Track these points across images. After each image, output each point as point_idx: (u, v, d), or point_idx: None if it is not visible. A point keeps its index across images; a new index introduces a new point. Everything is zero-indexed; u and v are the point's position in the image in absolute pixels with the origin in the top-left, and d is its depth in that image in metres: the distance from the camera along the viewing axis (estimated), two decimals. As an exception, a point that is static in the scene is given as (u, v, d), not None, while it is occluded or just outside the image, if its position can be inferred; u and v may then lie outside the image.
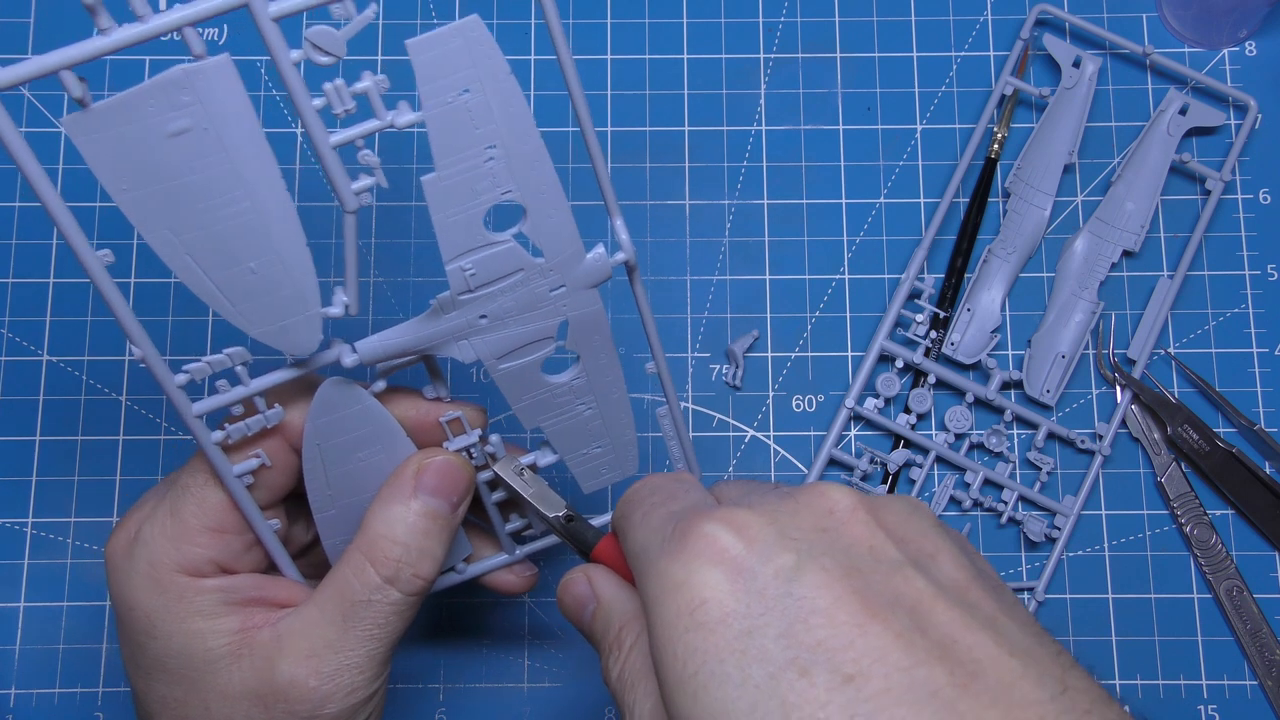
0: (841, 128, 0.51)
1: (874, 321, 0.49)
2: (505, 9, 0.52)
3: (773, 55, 0.52)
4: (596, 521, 0.38)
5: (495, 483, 0.38)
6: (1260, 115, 0.51)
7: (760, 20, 0.52)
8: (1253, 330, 0.49)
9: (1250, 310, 0.50)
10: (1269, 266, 0.50)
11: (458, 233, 0.33)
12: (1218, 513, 0.48)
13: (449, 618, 0.47)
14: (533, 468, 0.38)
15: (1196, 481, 0.48)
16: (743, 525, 0.27)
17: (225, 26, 0.52)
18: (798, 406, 0.49)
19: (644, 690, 0.28)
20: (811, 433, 0.48)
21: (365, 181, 0.31)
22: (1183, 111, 0.50)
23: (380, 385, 0.35)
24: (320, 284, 0.32)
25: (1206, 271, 0.50)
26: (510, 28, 0.52)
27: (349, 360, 0.34)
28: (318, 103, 0.30)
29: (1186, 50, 0.52)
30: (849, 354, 0.49)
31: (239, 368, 0.33)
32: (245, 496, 0.34)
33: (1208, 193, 0.50)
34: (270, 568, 0.36)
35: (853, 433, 0.49)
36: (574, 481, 0.40)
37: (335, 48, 0.30)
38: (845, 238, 0.50)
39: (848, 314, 0.50)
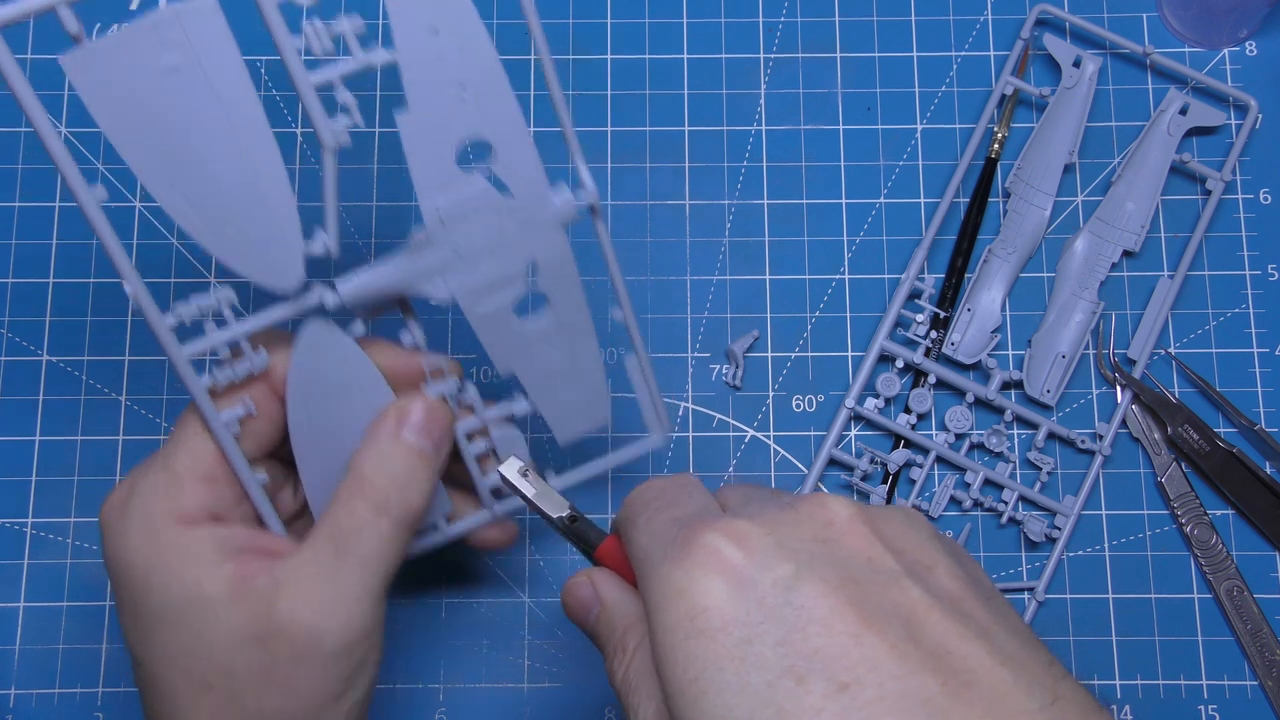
0: (841, 128, 0.51)
1: (874, 321, 0.49)
2: (505, 9, 0.52)
3: (773, 55, 0.52)
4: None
5: (474, 435, 0.39)
6: (1261, 115, 0.51)
7: (760, 20, 0.52)
8: (1253, 330, 0.49)
9: (1251, 310, 0.50)
10: (1269, 266, 0.50)
11: (431, 170, 0.34)
12: (1218, 513, 0.48)
13: (449, 618, 0.47)
14: (509, 418, 0.39)
15: (1197, 481, 0.48)
16: (743, 535, 0.27)
17: None
18: (798, 406, 0.49)
19: (647, 693, 0.29)
20: (811, 433, 0.48)
21: (344, 120, 0.33)
22: (1183, 111, 0.50)
23: (359, 328, 0.36)
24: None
25: (1207, 271, 0.50)
26: (510, 28, 0.52)
27: (330, 300, 0.35)
28: (297, 42, 0.32)
29: (1187, 50, 0.52)
30: (849, 354, 0.49)
31: (227, 310, 0.34)
32: (232, 444, 0.35)
33: (1208, 193, 0.50)
34: (262, 524, 0.37)
35: (853, 433, 0.49)
36: (550, 444, 0.40)
37: None
38: (845, 238, 0.50)
39: (848, 314, 0.50)
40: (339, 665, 0.34)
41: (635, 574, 0.30)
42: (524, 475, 0.37)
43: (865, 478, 0.47)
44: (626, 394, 0.47)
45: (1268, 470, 0.48)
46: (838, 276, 0.50)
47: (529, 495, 0.36)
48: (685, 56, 0.52)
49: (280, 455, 0.38)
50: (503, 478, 0.36)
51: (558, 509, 0.36)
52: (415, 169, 0.34)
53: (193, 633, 0.33)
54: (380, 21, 0.34)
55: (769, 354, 0.49)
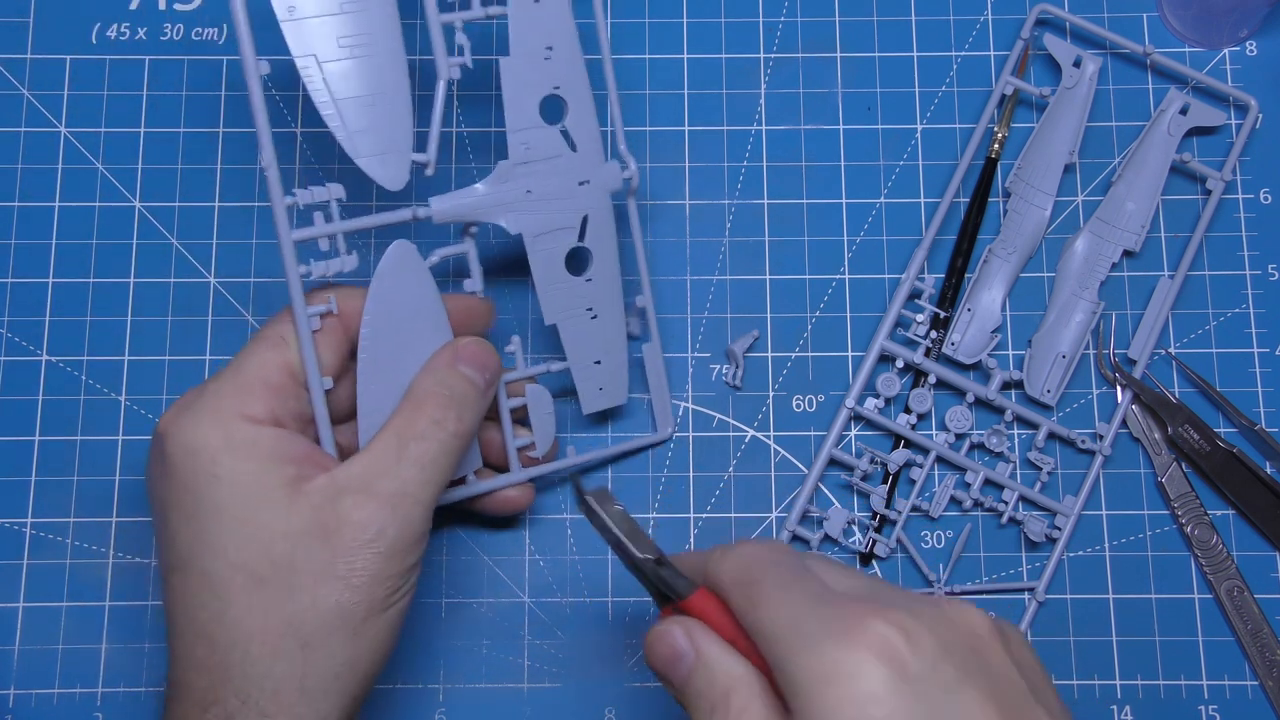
0: (841, 128, 0.51)
1: (874, 321, 0.49)
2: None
3: (773, 55, 0.52)
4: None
5: (512, 390, 0.44)
6: (1261, 115, 0.51)
7: (760, 20, 0.52)
8: (1253, 330, 0.49)
9: (1251, 310, 0.49)
10: (1269, 266, 0.50)
11: (521, 111, 0.41)
12: (1218, 513, 0.48)
13: (449, 618, 0.47)
14: (546, 371, 0.45)
15: (1197, 481, 0.48)
16: (911, 631, 0.29)
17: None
18: (798, 406, 0.49)
19: None
20: (812, 433, 0.48)
21: (457, 60, 0.39)
22: (1183, 111, 0.50)
23: (435, 258, 0.40)
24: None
25: (1207, 271, 0.50)
26: None
27: (422, 212, 0.40)
28: None
29: (1187, 50, 0.52)
30: (849, 354, 0.49)
31: (334, 204, 0.39)
32: (309, 337, 0.38)
33: (1208, 192, 0.50)
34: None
35: (853, 433, 0.49)
36: (575, 413, 0.47)
37: None
38: (845, 238, 0.50)
39: (848, 314, 0.50)
40: (396, 562, 0.36)
41: (769, 643, 0.30)
42: (613, 506, 0.35)
43: (865, 478, 0.47)
44: (638, 394, 0.48)
45: (1268, 470, 0.48)
46: (838, 276, 0.50)
47: (617, 532, 0.34)
48: (685, 56, 0.52)
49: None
50: (588, 506, 0.35)
51: (645, 550, 0.34)
52: (509, 108, 0.41)
53: (256, 524, 0.35)
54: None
55: (769, 354, 0.49)
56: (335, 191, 0.39)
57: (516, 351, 0.44)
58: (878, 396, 0.48)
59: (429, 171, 0.40)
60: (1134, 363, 0.48)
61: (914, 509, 0.47)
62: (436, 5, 0.39)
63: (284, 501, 0.35)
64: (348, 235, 0.39)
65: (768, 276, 0.50)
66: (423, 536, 0.37)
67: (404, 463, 0.37)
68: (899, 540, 0.47)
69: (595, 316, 0.44)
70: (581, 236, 0.43)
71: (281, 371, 0.38)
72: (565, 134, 0.42)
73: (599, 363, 0.45)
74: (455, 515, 0.47)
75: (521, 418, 0.44)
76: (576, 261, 0.43)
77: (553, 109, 0.42)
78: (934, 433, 0.48)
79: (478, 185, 0.41)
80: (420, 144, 0.39)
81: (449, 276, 0.47)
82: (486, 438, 0.44)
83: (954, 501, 0.48)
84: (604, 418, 0.48)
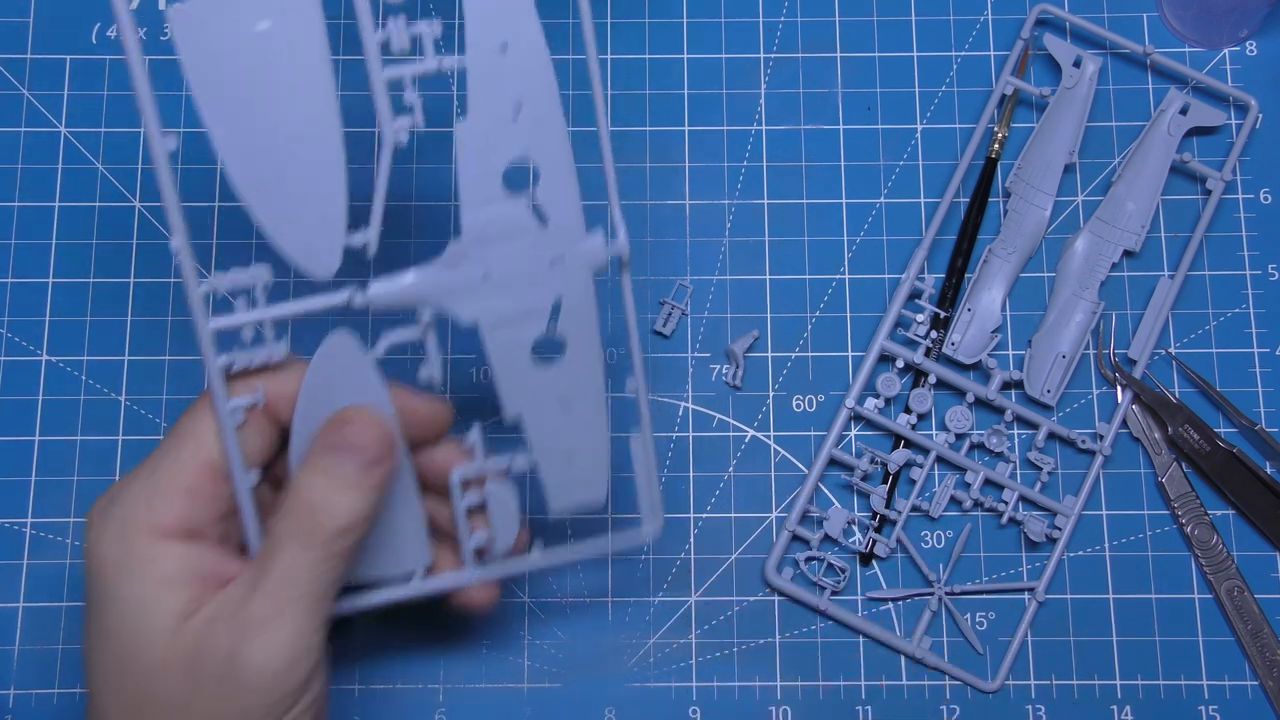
0: (841, 128, 0.51)
1: (874, 321, 0.49)
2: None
3: (773, 55, 0.52)
4: None
5: (470, 484, 0.38)
6: (1261, 115, 0.51)
7: (760, 20, 0.52)
8: (1253, 330, 0.49)
9: (1251, 310, 0.50)
10: (1270, 266, 0.50)
11: (478, 182, 0.35)
12: (1218, 513, 0.48)
13: (449, 618, 0.46)
14: (507, 472, 0.38)
15: (1197, 482, 0.48)
16: None
17: None
18: (798, 406, 0.49)
19: None
20: (812, 433, 0.48)
21: (405, 120, 0.34)
22: (1183, 111, 0.50)
23: (382, 348, 0.36)
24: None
25: (1207, 271, 0.50)
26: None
27: (359, 300, 0.35)
28: (379, 35, 0.33)
29: (1187, 50, 0.52)
30: (849, 354, 0.49)
31: (260, 290, 0.34)
32: (232, 432, 0.34)
33: (1208, 192, 0.50)
34: (238, 545, 0.36)
35: (853, 433, 0.49)
36: (541, 512, 0.39)
37: None
38: (845, 238, 0.50)
39: (848, 314, 0.50)
40: (265, 697, 0.33)
41: None
42: None
43: (865, 478, 0.47)
44: (623, 472, 0.45)
45: (1268, 470, 0.48)
46: (838, 276, 0.50)
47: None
48: (685, 56, 0.52)
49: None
50: None
51: None
52: (463, 179, 0.35)
53: (135, 653, 0.33)
54: (457, 25, 0.34)
55: (769, 354, 0.49)
56: (260, 275, 0.34)
57: (476, 442, 0.38)
58: (878, 396, 0.48)
59: (371, 252, 0.35)
60: (1134, 363, 0.48)
61: (914, 509, 0.47)
62: (380, 57, 0.34)
63: (168, 633, 0.33)
64: (276, 321, 0.35)
65: (768, 276, 0.50)
66: (298, 658, 0.33)
67: (269, 594, 0.33)
68: (899, 540, 0.47)
69: (568, 408, 0.38)
70: (553, 321, 0.36)
71: (200, 472, 0.34)
72: (535, 206, 0.36)
73: (572, 459, 0.38)
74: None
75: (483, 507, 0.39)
76: (546, 348, 0.37)
77: (521, 176, 0.36)
78: (934, 433, 0.48)
79: (424, 267, 0.35)
80: (361, 217, 0.34)
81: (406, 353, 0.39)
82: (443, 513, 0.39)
83: (954, 501, 0.48)
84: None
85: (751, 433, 0.49)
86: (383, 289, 0.35)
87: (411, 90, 0.34)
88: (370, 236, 0.34)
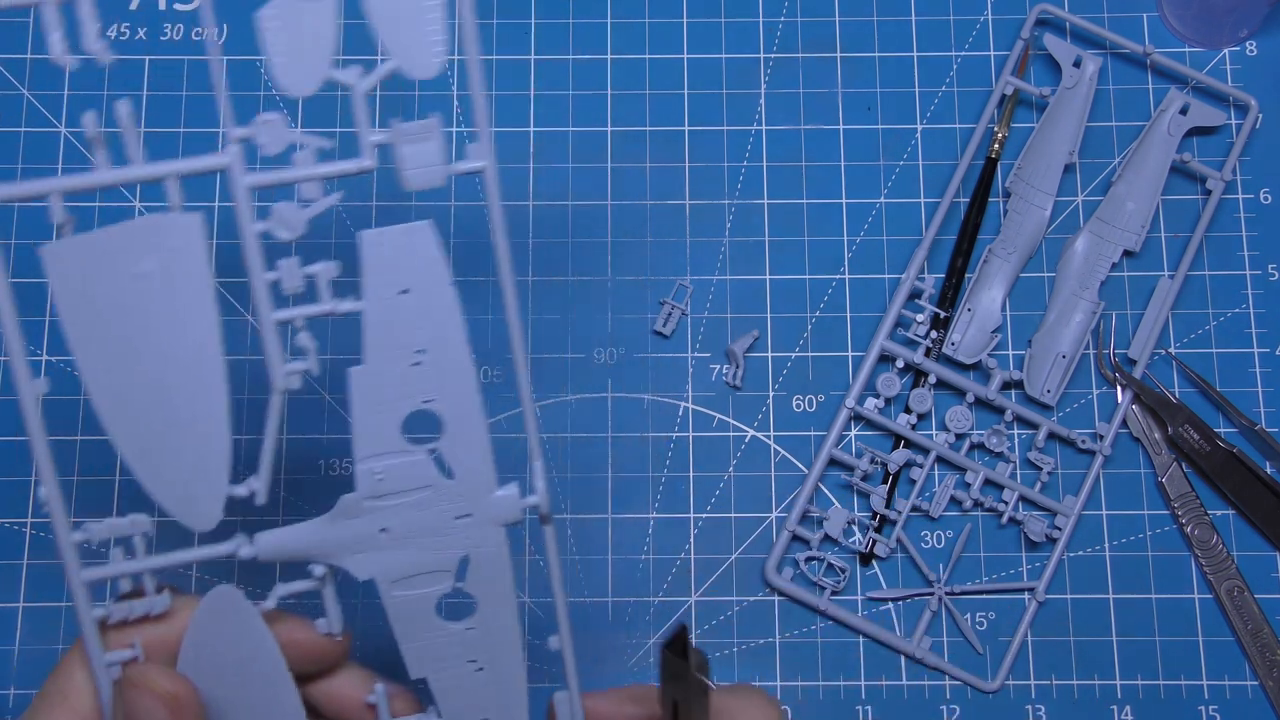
0: (841, 128, 0.51)
1: (874, 321, 0.49)
2: (505, 9, 0.52)
3: (773, 55, 0.52)
4: None
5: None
6: (1261, 115, 0.51)
7: (760, 20, 0.52)
8: (1253, 330, 0.49)
9: (1251, 310, 0.50)
10: (1269, 266, 0.50)
11: (375, 432, 0.32)
12: (1218, 513, 0.48)
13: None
14: None
15: (1197, 481, 0.48)
16: None
17: (225, 26, 0.52)
18: (798, 406, 0.49)
19: None
20: (811, 433, 0.48)
21: (298, 365, 0.32)
22: (1183, 111, 0.50)
23: (271, 604, 0.33)
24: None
25: (1207, 271, 0.50)
26: (510, 27, 0.52)
27: (245, 552, 0.32)
28: (270, 276, 0.31)
29: (1187, 50, 0.52)
30: (849, 354, 0.49)
31: (138, 540, 0.32)
32: (109, 687, 0.32)
33: (1208, 192, 0.50)
34: None
35: (853, 433, 0.49)
36: None
37: (298, 224, 0.31)
38: (845, 238, 0.50)
39: (848, 314, 0.50)
40: None
41: None
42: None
43: (865, 478, 0.47)
44: None
45: (1268, 470, 0.48)
46: (838, 276, 0.50)
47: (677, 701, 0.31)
48: (685, 56, 0.52)
49: None
50: (676, 664, 0.30)
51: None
52: (358, 428, 0.32)
53: None
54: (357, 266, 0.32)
55: (769, 354, 0.49)
56: (139, 524, 0.32)
57: (379, 701, 0.34)
58: (878, 396, 0.48)
59: (259, 500, 0.32)
60: (1134, 363, 0.48)
61: (914, 509, 0.47)
62: (270, 299, 0.31)
63: None
64: (156, 570, 0.32)
65: (768, 276, 0.50)
66: None
67: None
68: (899, 540, 0.47)
69: (481, 669, 0.34)
70: (461, 576, 0.34)
71: None
72: (439, 458, 0.33)
73: None
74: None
75: None
76: (455, 606, 0.34)
77: (423, 426, 0.33)
78: (934, 433, 0.48)
79: (315, 522, 0.32)
80: (249, 464, 0.32)
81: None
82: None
83: (954, 501, 0.48)
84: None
85: (751, 433, 0.49)
86: (271, 541, 0.32)
87: (305, 333, 0.31)
88: (259, 485, 0.32)
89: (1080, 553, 0.47)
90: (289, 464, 0.48)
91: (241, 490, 0.32)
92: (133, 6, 0.52)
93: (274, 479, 0.36)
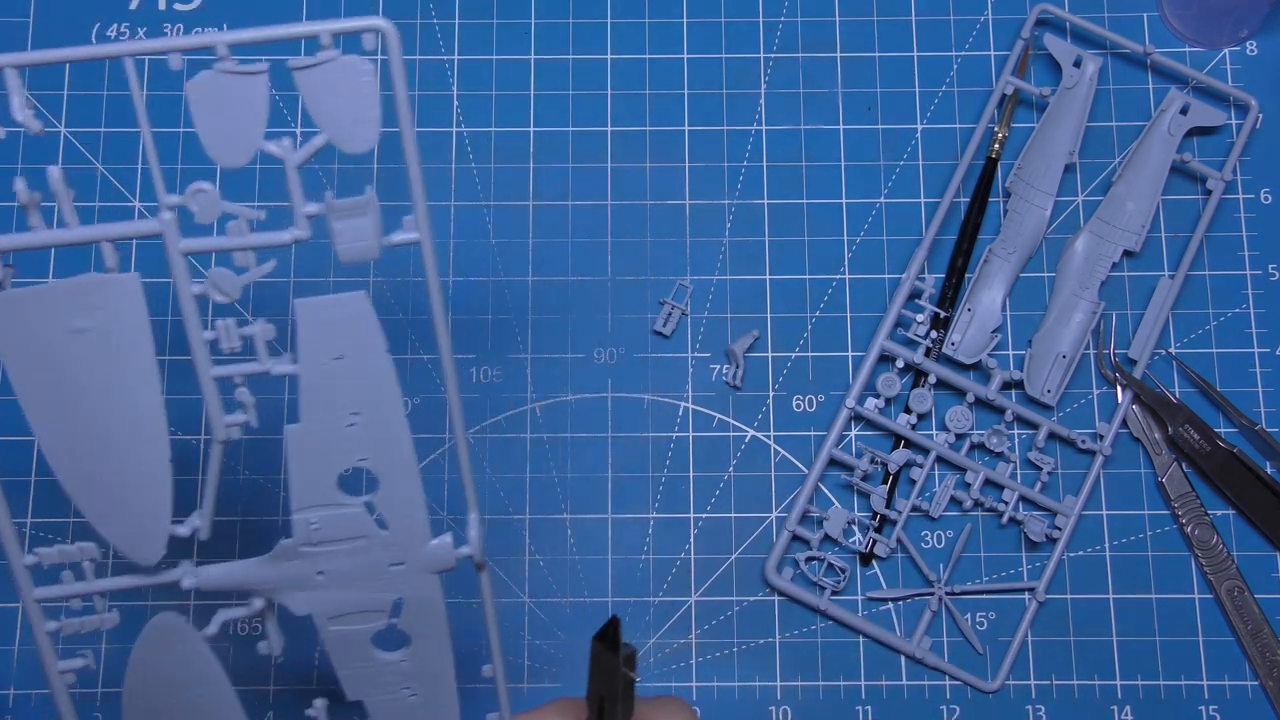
0: (841, 128, 0.51)
1: (874, 321, 0.49)
2: (505, 9, 0.52)
3: (773, 55, 0.52)
4: None
5: None
6: (1261, 115, 0.51)
7: (760, 20, 0.52)
8: (1254, 330, 0.49)
9: (1251, 310, 0.49)
10: (1270, 266, 0.50)
11: (310, 486, 0.33)
12: (1219, 513, 0.48)
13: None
14: None
15: (1197, 481, 0.48)
16: None
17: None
18: (798, 406, 0.49)
19: None
20: (812, 433, 0.48)
21: (237, 417, 0.33)
22: (1184, 111, 0.50)
23: (213, 629, 0.34)
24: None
25: (1207, 271, 0.50)
26: (510, 27, 0.52)
27: (187, 583, 0.34)
28: (208, 335, 0.33)
29: (1187, 50, 0.52)
30: (849, 354, 0.49)
31: (86, 563, 0.34)
32: (65, 696, 0.34)
33: (1209, 192, 0.50)
34: None
35: (853, 433, 0.49)
36: None
37: (232, 290, 0.33)
38: (845, 238, 0.50)
39: (848, 314, 0.50)
40: None
41: None
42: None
43: (865, 478, 0.47)
44: None
45: (1268, 470, 0.48)
46: (838, 276, 0.50)
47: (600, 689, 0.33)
48: (685, 56, 0.52)
49: None
50: (603, 655, 0.33)
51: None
52: (294, 483, 0.33)
53: None
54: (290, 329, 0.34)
55: (769, 354, 0.49)
56: (87, 551, 0.34)
57: (320, 713, 0.36)
58: (878, 396, 0.48)
59: (203, 536, 0.34)
60: (1134, 363, 0.48)
61: (914, 509, 0.47)
62: (209, 356, 0.33)
63: None
64: (106, 592, 0.34)
65: (768, 276, 0.50)
66: None
67: None
68: (899, 540, 0.47)
69: (415, 695, 0.36)
70: (396, 614, 0.35)
71: None
72: (373, 512, 0.34)
73: None
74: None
75: None
76: (389, 638, 0.36)
77: (357, 482, 0.34)
78: (934, 433, 0.48)
79: (254, 561, 0.34)
80: (189, 503, 0.34)
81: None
82: None
83: (954, 501, 0.48)
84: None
85: (751, 433, 0.49)
86: (214, 574, 0.34)
87: (244, 389, 0.33)
88: (203, 522, 0.34)
89: (1080, 553, 0.47)
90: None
91: (183, 530, 0.33)
92: (133, 6, 0.52)
93: (232, 517, 0.40)
